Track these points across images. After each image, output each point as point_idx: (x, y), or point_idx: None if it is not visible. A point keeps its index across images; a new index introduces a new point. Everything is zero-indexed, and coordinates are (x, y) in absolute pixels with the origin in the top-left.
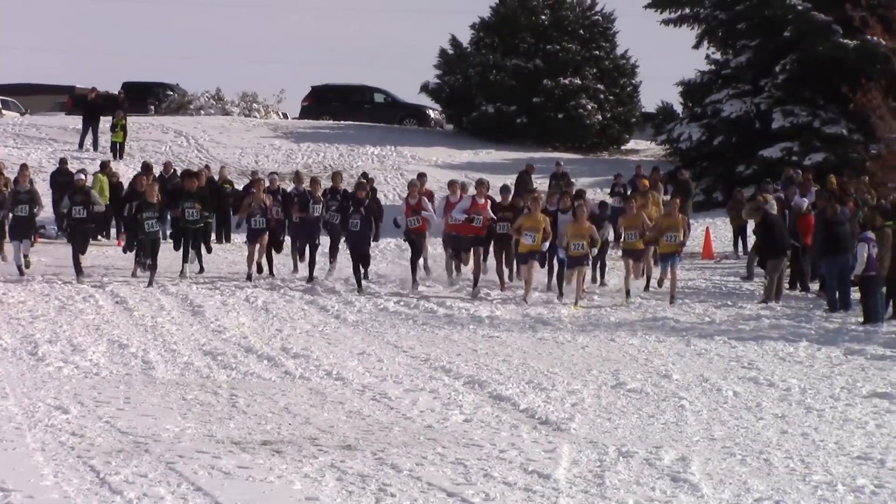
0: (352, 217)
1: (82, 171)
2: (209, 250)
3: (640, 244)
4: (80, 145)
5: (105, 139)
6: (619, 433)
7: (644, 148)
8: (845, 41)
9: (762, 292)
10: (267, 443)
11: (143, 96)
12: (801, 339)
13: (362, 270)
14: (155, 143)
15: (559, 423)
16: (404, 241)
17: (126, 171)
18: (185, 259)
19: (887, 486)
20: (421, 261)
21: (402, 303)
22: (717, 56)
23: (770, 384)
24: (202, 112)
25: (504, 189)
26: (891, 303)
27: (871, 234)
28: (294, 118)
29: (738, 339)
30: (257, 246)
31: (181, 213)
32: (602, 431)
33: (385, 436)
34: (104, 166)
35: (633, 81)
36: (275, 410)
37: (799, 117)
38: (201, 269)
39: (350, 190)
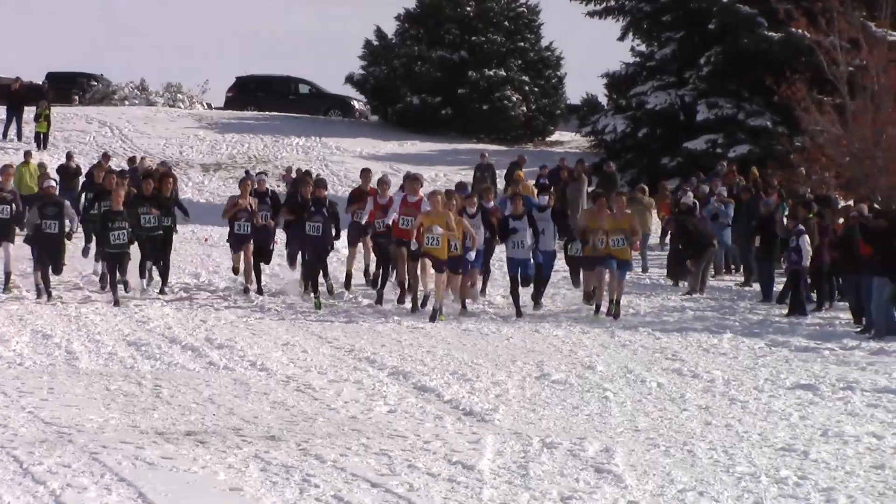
0: (313, 220)
1: (49, 177)
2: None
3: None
4: (4, 135)
5: (29, 129)
6: (544, 424)
7: (569, 140)
8: (770, 34)
9: (688, 284)
10: (191, 433)
11: (68, 86)
12: (725, 331)
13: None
14: (79, 133)
15: (483, 414)
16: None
17: (50, 162)
18: (142, 274)
19: (811, 478)
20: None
21: (325, 294)
22: (642, 48)
23: (694, 375)
24: (126, 102)
25: (460, 187)
26: (814, 294)
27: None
28: (218, 108)
29: (663, 331)
30: (241, 255)
31: (136, 221)
32: (526, 422)
33: (309, 426)
34: (27, 156)
35: (558, 73)
36: (199, 401)
37: (723, 109)
38: (163, 290)
39: (271, 189)
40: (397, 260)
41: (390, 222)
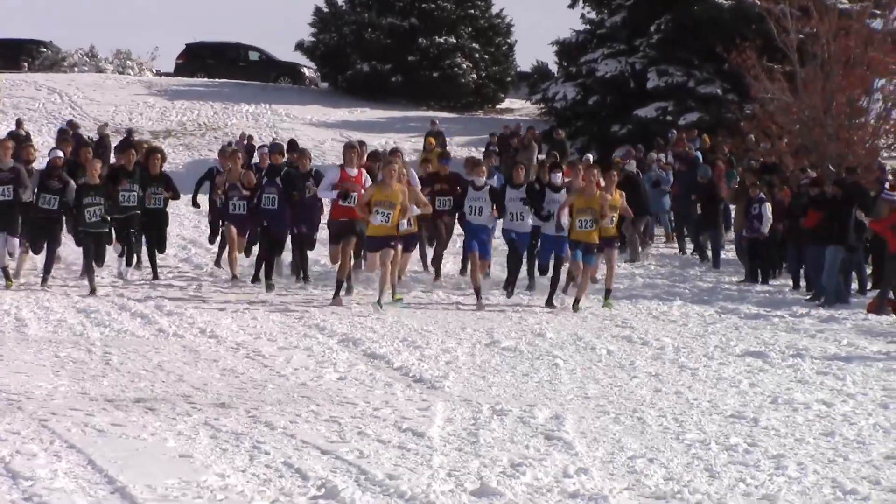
0: (265, 191)
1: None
2: (162, 249)
3: (610, 231)
4: None
5: None
6: (494, 391)
7: (519, 107)
8: (720, 1)
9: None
10: (140, 400)
11: (16, 53)
12: (675, 299)
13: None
14: (28, 100)
15: (433, 381)
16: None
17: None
18: (128, 261)
19: (760, 445)
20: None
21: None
22: (592, 16)
23: (644, 343)
24: (76, 69)
25: (443, 156)
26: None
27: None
28: (168, 75)
29: (613, 298)
30: (234, 233)
31: (115, 201)
32: (476, 389)
33: (259, 393)
34: None
35: (509, 40)
36: (148, 368)
37: (674, 77)
38: (155, 276)
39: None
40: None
41: (329, 200)
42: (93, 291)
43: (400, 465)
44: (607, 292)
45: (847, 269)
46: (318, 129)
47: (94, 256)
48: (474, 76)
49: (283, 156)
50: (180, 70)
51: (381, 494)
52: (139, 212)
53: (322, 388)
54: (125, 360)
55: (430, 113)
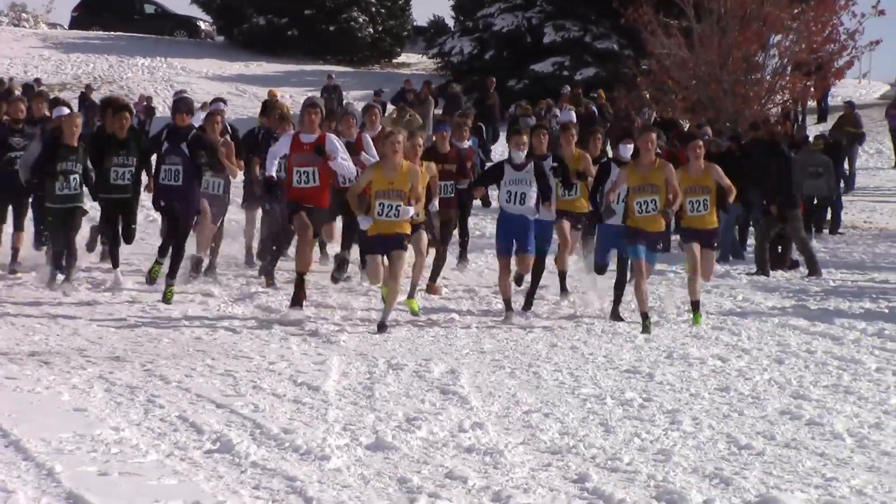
0: (166, 160)
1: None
2: (129, 239)
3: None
4: None
5: None
6: (389, 346)
7: (416, 62)
8: None
9: None
10: (35, 354)
11: None
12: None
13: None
14: None
15: (329, 335)
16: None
17: None
18: (113, 261)
19: (655, 400)
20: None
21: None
22: None
23: (539, 297)
24: None
25: (441, 126)
26: None
27: None
28: (64, 28)
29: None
30: (206, 219)
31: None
32: (372, 344)
33: (154, 347)
34: None
35: None
36: (43, 321)
37: (570, 32)
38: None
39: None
40: (297, 235)
41: (272, 173)
42: (68, 278)
43: (295, 419)
44: (695, 304)
45: (744, 225)
46: (213, 83)
47: (67, 243)
48: (371, 30)
49: (192, 115)
50: (76, 23)
51: (277, 448)
52: (129, 195)
53: (217, 343)
54: (20, 313)
55: (327, 67)
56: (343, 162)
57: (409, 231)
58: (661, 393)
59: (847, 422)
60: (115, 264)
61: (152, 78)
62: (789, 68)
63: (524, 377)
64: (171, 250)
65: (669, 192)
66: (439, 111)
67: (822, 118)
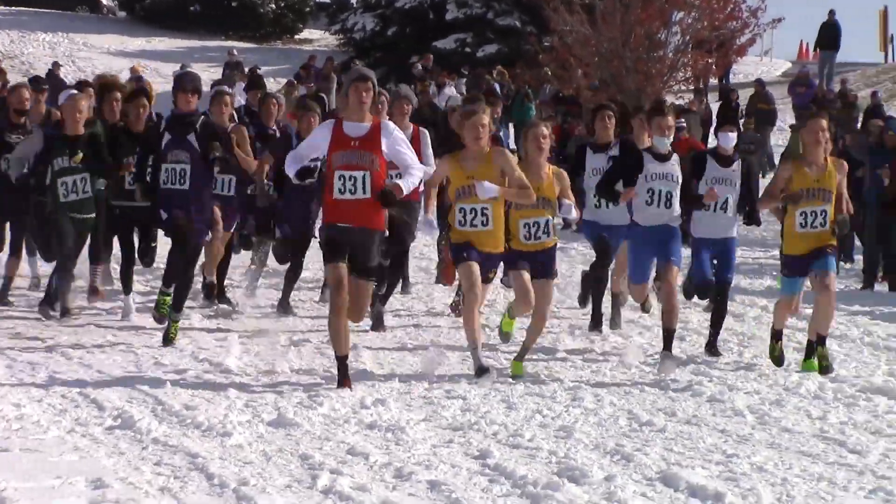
0: (168, 157)
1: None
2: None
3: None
4: None
5: None
6: (291, 322)
7: (318, 38)
8: None
9: None
10: None
11: None
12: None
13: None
14: None
15: (231, 311)
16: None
17: None
18: (125, 283)
19: (557, 376)
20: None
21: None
22: None
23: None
24: None
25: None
26: None
27: None
28: None
29: None
30: (218, 232)
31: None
32: (274, 320)
33: (56, 324)
34: None
35: None
36: None
37: (473, 9)
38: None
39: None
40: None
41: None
42: (65, 312)
43: (197, 396)
44: (820, 340)
45: None
46: (115, 59)
47: (62, 272)
48: (273, 6)
49: (200, 96)
50: None
51: (178, 425)
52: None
53: (119, 319)
54: None
55: (229, 43)
56: (414, 168)
57: (502, 249)
58: (563, 370)
59: (748, 398)
60: (128, 289)
61: (53, 53)
62: (691, 45)
63: (426, 354)
64: (178, 276)
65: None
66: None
67: (723, 95)
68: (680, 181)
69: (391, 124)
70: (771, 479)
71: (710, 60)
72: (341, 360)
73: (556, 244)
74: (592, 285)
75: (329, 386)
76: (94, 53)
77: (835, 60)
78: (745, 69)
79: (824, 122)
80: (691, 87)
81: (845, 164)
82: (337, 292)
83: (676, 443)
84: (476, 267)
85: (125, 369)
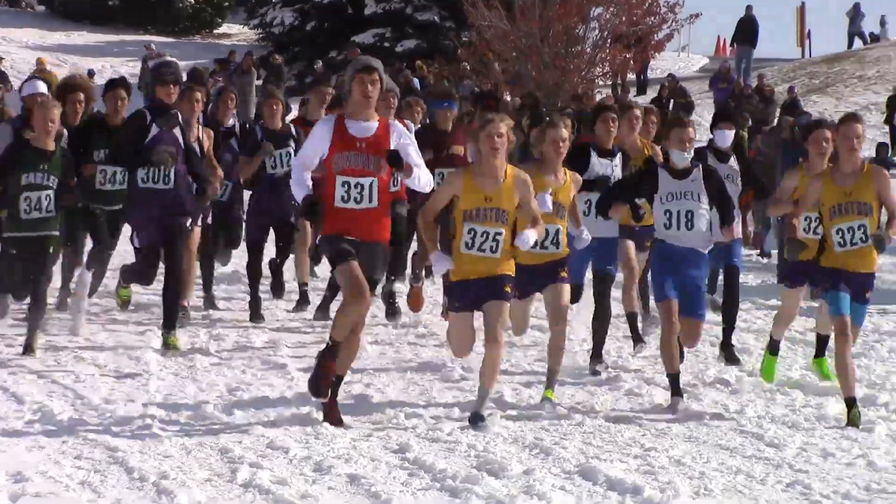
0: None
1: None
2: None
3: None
4: None
5: None
6: (213, 316)
7: (237, 32)
8: None
9: None
10: None
11: None
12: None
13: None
14: None
15: (152, 305)
16: None
17: None
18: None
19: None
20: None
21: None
22: None
23: None
24: None
25: (444, 96)
26: None
27: None
28: None
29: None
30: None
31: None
32: (192, 313)
33: None
34: None
35: None
36: None
37: (391, 4)
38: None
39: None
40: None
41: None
42: (28, 349)
43: (116, 390)
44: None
45: None
46: (34, 53)
47: (34, 287)
48: (192, 0)
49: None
50: None
51: (98, 419)
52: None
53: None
54: None
55: (148, 37)
56: (423, 172)
57: (512, 272)
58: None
59: (666, 393)
60: (90, 266)
61: None
62: (609, 41)
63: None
64: (165, 288)
65: (886, 211)
66: (260, 83)
67: (641, 91)
68: (703, 199)
69: (399, 125)
70: (689, 472)
71: (628, 56)
72: (339, 379)
73: (567, 255)
74: (595, 326)
75: (249, 380)
76: (12, 48)
77: (752, 56)
78: (663, 64)
79: (860, 128)
80: (609, 83)
81: (884, 171)
82: (357, 301)
83: (595, 436)
84: (471, 320)
85: (45, 364)
